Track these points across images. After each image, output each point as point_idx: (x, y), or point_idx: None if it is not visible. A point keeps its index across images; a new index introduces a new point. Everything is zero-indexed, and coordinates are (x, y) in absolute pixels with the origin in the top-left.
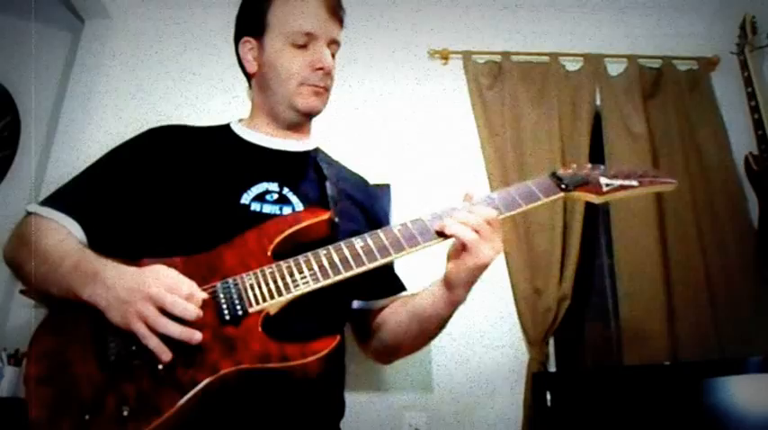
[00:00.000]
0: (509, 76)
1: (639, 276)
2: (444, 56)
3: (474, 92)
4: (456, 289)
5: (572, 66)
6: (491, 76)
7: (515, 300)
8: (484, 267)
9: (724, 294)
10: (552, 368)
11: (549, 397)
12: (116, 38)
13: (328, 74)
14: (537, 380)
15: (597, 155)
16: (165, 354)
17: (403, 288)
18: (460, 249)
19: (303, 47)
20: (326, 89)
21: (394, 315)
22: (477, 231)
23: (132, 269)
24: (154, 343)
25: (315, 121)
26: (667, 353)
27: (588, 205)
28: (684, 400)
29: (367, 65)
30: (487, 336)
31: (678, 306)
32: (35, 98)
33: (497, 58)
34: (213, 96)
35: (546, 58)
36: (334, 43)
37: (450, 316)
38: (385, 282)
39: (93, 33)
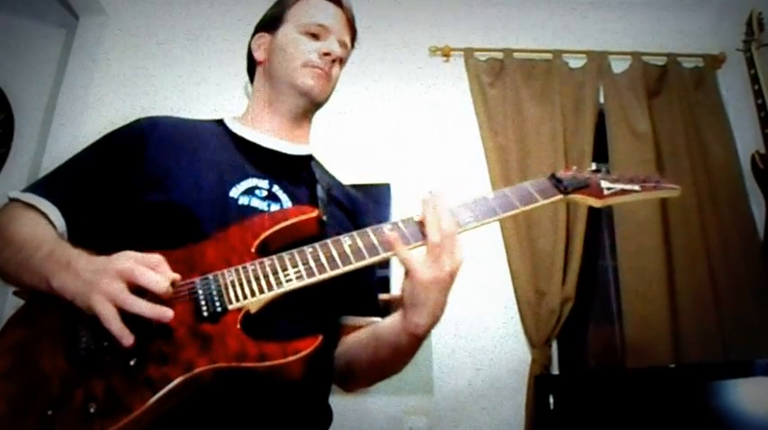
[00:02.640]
0: (511, 74)
1: (643, 278)
2: (445, 53)
3: (475, 89)
4: (407, 314)
5: (575, 63)
6: (493, 73)
7: (518, 301)
8: (425, 287)
9: (729, 295)
10: (555, 371)
11: (551, 400)
12: (111, 35)
13: (334, 61)
14: (540, 384)
15: (600, 154)
16: (127, 339)
17: (379, 313)
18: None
19: (315, 36)
20: (328, 76)
21: (356, 334)
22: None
23: (103, 257)
24: (115, 326)
25: (314, 122)
26: (671, 355)
27: (591, 206)
28: (689, 404)
29: (366, 63)
30: (489, 339)
31: (682, 307)
32: (29, 96)
33: (499, 55)
34: (209, 93)
35: (549, 55)
36: (343, 46)
37: (408, 348)
38: (364, 300)
39: (88, 30)
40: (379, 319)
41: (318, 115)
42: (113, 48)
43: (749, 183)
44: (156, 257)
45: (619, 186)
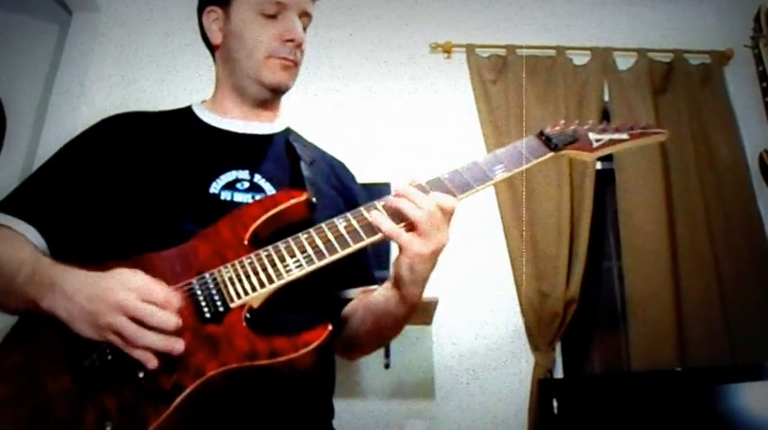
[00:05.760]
0: (514, 71)
1: (648, 278)
2: (447, 49)
3: (477, 87)
4: (404, 287)
5: (579, 59)
6: (495, 70)
7: (520, 303)
8: (424, 260)
9: (736, 297)
10: (559, 374)
11: (555, 404)
12: (105, 30)
13: (299, 46)
14: (543, 387)
15: None
16: (152, 362)
17: (373, 280)
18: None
19: (273, 17)
20: (296, 63)
21: (354, 308)
22: (417, 222)
23: (93, 275)
24: (138, 353)
25: (312, 117)
26: (678, 358)
27: (596, 205)
28: (696, 408)
29: (367, 60)
30: (491, 341)
31: (688, 309)
32: (21, 92)
33: (502, 51)
34: (206, 88)
35: (552, 52)
36: (305, 15)
37: (406, 315)
38: (358, 270)
39: (82, 26)
40: (374, 287)
41: (318, 114)
42: (107, 44)
43: (756, 183)
44: (163, 294)
45: (607, 137)
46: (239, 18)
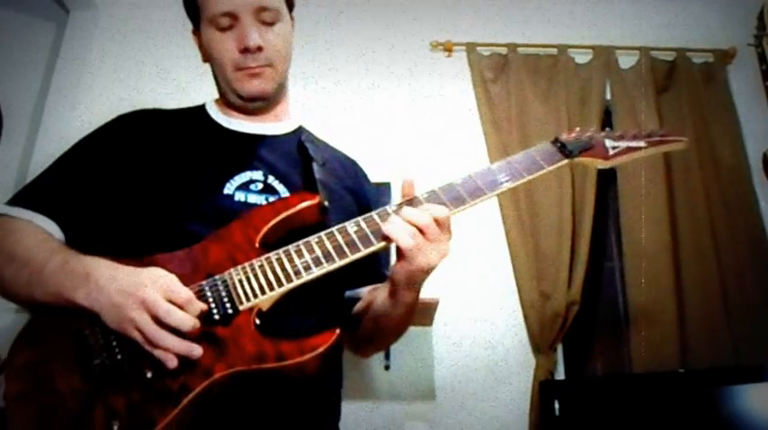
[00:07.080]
0: (515, 69)
1: (650, 279)
2: (447, 48)
3: (478, 86)
4: (400, 290)
5: (581, 58)
6: (496, 69)
7: (522, 304)
8: (425, 272)
9: (738, 297)
10: (560, 376)
11: (557, 406)
12: (103, 28)
13: (259, 50)
14: (544, 389)
15: None
16: (171, 362)
17: (383, 278)
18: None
19: (228, 28)
20: (261, 70)
21: (365, 305)
22: (422, 232)
23: (127, 269)
24: (158, 352)
25: (312, 117)
26: (680, 360)
27: (597, 205)
28: (698, 410)
29: (366, 58)
30: (492, 343)
31: (691, 310)
32: (18, 91)
33: (503, 50)
34: (203, 88)
35: (554, 50)
36: (263, 11)
37: (404, 315)
38: (371, 270)
39: (79, 24)
40: (378, 285)
41: (316, 113)
42: (104, 42)
43: (758, 182)
44: (186, 294)
45: (624, 144)
46: (206, 38)
